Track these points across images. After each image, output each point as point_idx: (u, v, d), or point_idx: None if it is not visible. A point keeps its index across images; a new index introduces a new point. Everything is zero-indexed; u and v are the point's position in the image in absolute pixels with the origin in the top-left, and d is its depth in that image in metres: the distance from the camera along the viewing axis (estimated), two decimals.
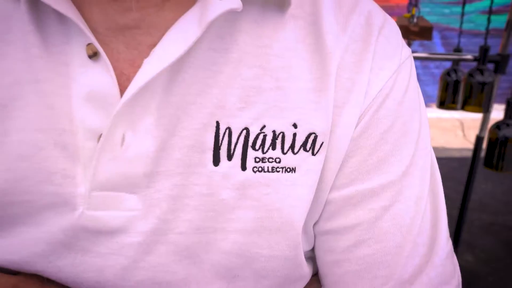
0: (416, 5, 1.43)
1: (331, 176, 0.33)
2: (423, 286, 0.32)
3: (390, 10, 4.50)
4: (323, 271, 0.36)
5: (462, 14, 1.59)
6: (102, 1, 0.31)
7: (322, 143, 0.32)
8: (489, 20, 1.44)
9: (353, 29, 0.34)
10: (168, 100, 0.31)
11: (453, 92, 1.57)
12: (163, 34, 0.31)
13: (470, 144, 4.47)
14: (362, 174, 0.33)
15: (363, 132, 0.33)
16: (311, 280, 0.37)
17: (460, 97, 1.45)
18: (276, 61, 0.32)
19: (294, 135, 0.32)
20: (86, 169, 0.30)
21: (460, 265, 0.36)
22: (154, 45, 0.31)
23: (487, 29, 1.45)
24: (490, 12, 1.46)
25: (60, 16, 0.30)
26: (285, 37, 0.33)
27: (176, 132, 0.31)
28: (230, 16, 0.31)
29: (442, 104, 1.62)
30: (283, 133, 0.32)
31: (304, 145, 0.32)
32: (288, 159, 0.32)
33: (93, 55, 0.30)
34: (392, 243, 0.33)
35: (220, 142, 0.31)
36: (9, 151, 0.30)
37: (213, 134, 0.31)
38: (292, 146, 0.32)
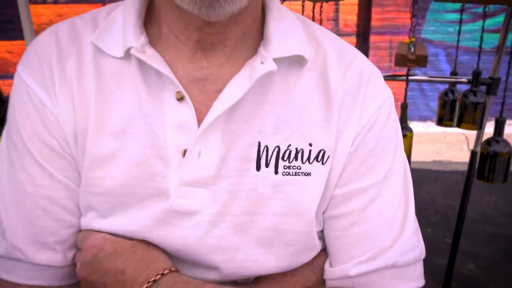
0: (413, 33, 1.60)
1: (334, 178, 0.49)
2: (396, 251, 0.47)
3: (395, 29, 4.65)
4: (329, 244, 0.51)
5: (457, 43, 1.75)
6: (185, 62, 0.48)
7: (329, 156, 0.48)
8: (480, 47, 1.60)
9: (350, 79, 0.50)
10: (227, 127, 0.47)
11: (450, 111, 1.73)
12: (224, 84, 0.47)
13: None
14: (355, 177, 0.49)
15: (355, 149, 0.49)
16: (320, 252, 0.52)
17: (456, 115, 1.60)
18: (297, 101, 0.49)
19: (310, 151, 0.48)
20: (175, 172, 0.46)
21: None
22: (218, 91, 0.47)
23: (479, 55, 1.61)
24: (482, 38, 1.62)
25: (158, 72, 0.47)
26: (303, 84, 0.49)
27: (232, 148, 0.47)
28: (268, 72, 0.48)
29: (440, 121, 1.77)
30: (302, 149, 0.48)
31: (316, 158, 0.48)
32: (306, 167, 0.48)
33: (180, 98, 0.47)
34: (375, 224, 0.48)
35: (260, 155, 0.48)
36: (127, 160, 0.46)
37: (256, 150, 0.48)
38: (308, 158, 0.48)
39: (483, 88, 1.67)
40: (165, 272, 0.44)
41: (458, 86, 1.79)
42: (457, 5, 4.88)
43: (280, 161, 0.48)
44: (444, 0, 1.76)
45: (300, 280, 0.50)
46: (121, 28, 0.48)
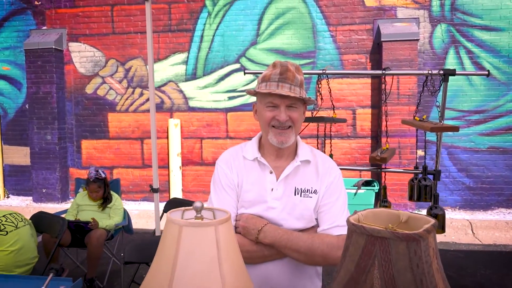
0: (387, 142, 2.65)
1: (319, 199, 1.52)
2: (339, 221, 1.47)
3: (402, 133, 5.69)
4: (318, 220, 1.51)
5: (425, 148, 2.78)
6: (271, 161, 1.55)
7: (318, 192, 1.52)
8: (425, 148, 2.62)
9: (325, 168, 1.56)
10: (285, 182, 1.52)
11: (415, 191, 2.70)
12: (284, 168, 1.53)
13: (478, 241, 5.28)
14: (326, 199, 1.51)
15: (326, 190, 1.52)
16: (315, 225, 1.52)
17: (416, 193, 2.57)
18: (308, 174, 1.54)
19: (312, 190, 1.52)
20: (269, 195, 1.50)
21: None
22: (282, 170, 1.53)
23: (425, 155, 2.62)
24: (425, 145, 2.65)
25: (265, 164, 1.53)
26: (309, 169, 1.55)
27: (286, 188, 1.51)
28: (298, 165, 1.54)
29: (410, 198, 2.74)
30: (309, 189, 1.52)
31: (313, 192, 1.51)
32: (310, 195, 1.51)
33: (271, 173, 1.53)
34: (332, 214, 1.49)
35: (295, 191, 1.51)
36: (254, 192, 1.51)
37: (294, 189, 1.51)
38: (311, 192, 1.51)
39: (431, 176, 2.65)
40: (268, 223, 1.46)
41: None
42: (454, 113, 5.98)
43: (302, 193, 1.51)
44: (407, 124, 2.83)
45: (310, 231, 1.50)
46: (251, 150, 1.56)
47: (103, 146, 6.64)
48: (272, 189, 1.51)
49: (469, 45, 5.85)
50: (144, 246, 2.51)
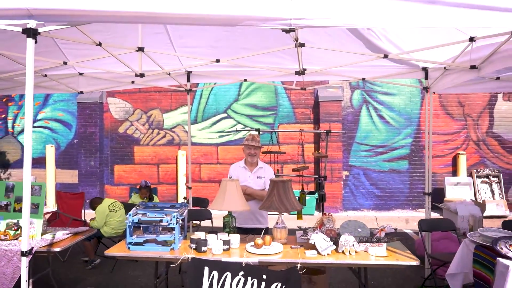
0: (304, 162, 5.67)
1: (265, 181, 4.47)
2: None
3: (332, 159, 8.76)
4: (265, 187, 4.46)
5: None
6: (248, 167, 4.50)
7: (265, 178, 4.47)
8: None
9: (267, 170, 4.52)
10: (254, 174, 4.46)
11: (316, 186, 5.68)
12: (253, 169, 4.47)
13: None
14: (267, 180, 4.47)
15: (266, 178, 4.48)
16: (264, 189, 4.46)
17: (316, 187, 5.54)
18: (262, 172, 4.49)
19: (262, 177, 4.47)
20: (248, 178, 4.43)
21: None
22: (252, 170, 4.47)
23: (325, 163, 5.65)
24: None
25: (246, 168, 4.48)
26: (262, 170, 4.51)
27: (254, 176, 4.45)
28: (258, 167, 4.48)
29: (315, 190, 5.71)
30: (262, 177, 4.47)
31: (263, 177, 4.47)
32: (262, 179, 4.46)
33: (249, 171, 4.47)
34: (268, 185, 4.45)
35: (257, 177, 4.46)
36: (243, 178, 4.45)
37: (256, 177, 4.46)
38: (262, 177, 4.46)
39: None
40: (248, 187, 4.39)
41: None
42: (366, 147, 9.12)
43: (259, 178, 4.43)
44: (314, 155, 5.83)
45: (262, 191, 4.43)
46: (241, 164, 4.50)
47: (130, 169, 9.43)
48: (249, 176, 4.45)
49: (375, 103, 9.09)
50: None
